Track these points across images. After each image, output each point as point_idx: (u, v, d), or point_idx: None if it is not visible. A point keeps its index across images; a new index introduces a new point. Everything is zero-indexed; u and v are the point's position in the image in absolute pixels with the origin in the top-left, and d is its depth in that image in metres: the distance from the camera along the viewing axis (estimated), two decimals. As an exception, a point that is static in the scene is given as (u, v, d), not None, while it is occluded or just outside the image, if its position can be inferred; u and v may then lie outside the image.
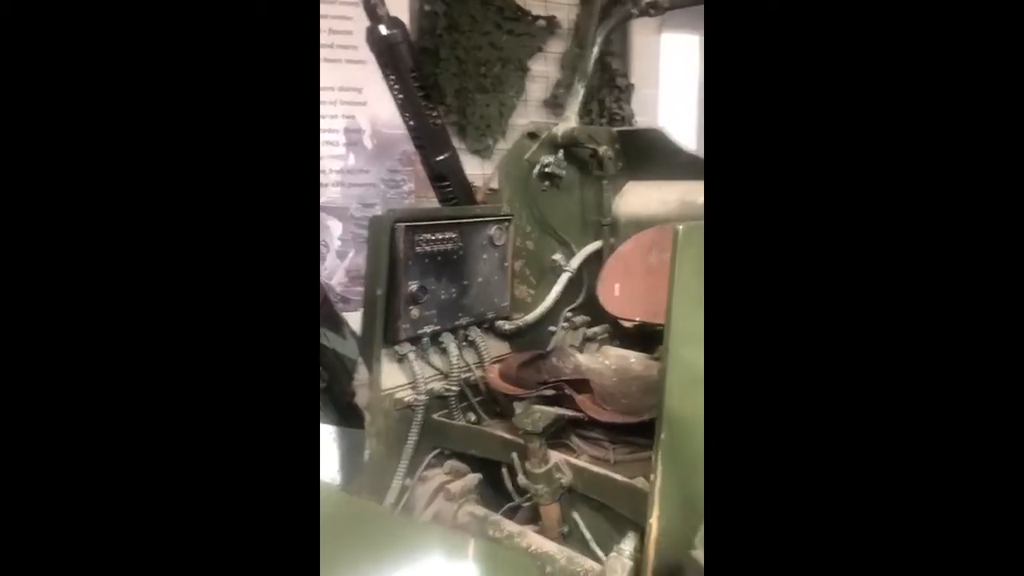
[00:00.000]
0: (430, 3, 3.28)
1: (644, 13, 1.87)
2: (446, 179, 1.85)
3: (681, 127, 3.59)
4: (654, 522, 0.96)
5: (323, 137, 3.17)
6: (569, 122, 1.90)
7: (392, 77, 1.70)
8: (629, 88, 3.52)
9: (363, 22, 1.67)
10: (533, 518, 1.51)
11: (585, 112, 3.60)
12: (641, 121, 3.56)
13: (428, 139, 1.78)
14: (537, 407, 1.41)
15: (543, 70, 3.58)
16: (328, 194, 3.23)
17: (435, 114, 1.77)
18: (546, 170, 1.84)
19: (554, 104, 3.58)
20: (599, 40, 1.95)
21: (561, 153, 1.87)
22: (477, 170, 3.55)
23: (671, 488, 0.99)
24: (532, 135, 1.86)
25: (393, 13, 3.05)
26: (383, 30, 1.65)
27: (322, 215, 3.24)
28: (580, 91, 1.94)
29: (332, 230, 3.27)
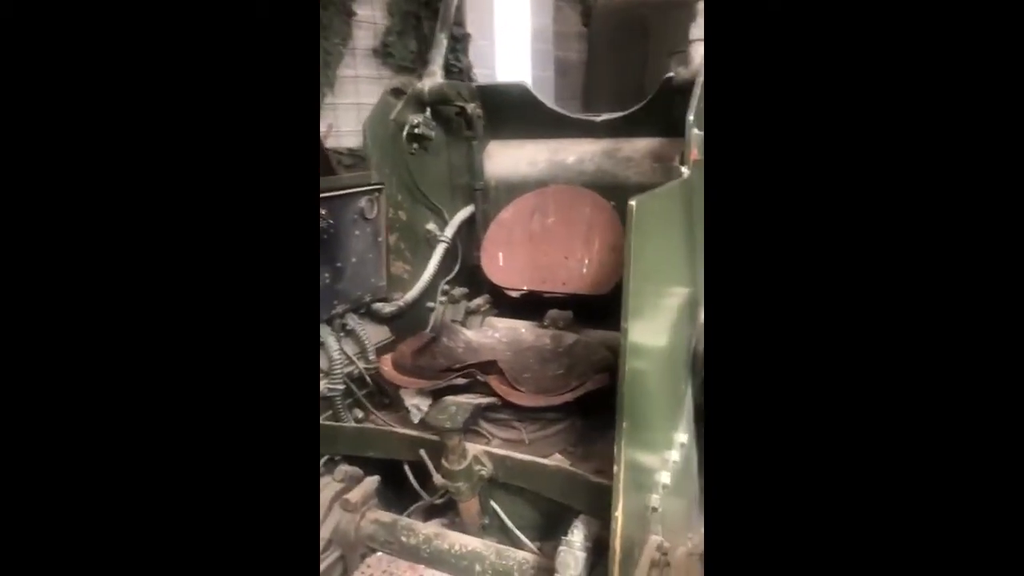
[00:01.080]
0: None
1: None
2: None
3: (515, 79, 3.52)
4: (619, 515, 0.91)
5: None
6: (435, 76, 1.72)
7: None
8: (465, 38, 3.36)
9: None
10: (445, 513, 1.41)
11: (420, 62, 3.38)
12: (480, 73, 3.43)
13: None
14: (451, 399, 1.29)
15: (369, 15, 3.27)
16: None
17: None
18: (415, 131, 1.67)
19: (384, 54, 3.31)
20: (459, -14, 1.77)
21: (429, 112, 1.71)
22: (305, 128, 3.19)
23: (631, 475, 0.94)
24: (397, 91, 1.66)
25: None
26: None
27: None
28: (443, 43, 1.76)
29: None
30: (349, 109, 3.29)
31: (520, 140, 1.94)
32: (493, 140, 1.94)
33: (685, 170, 1.20)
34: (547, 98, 3.69)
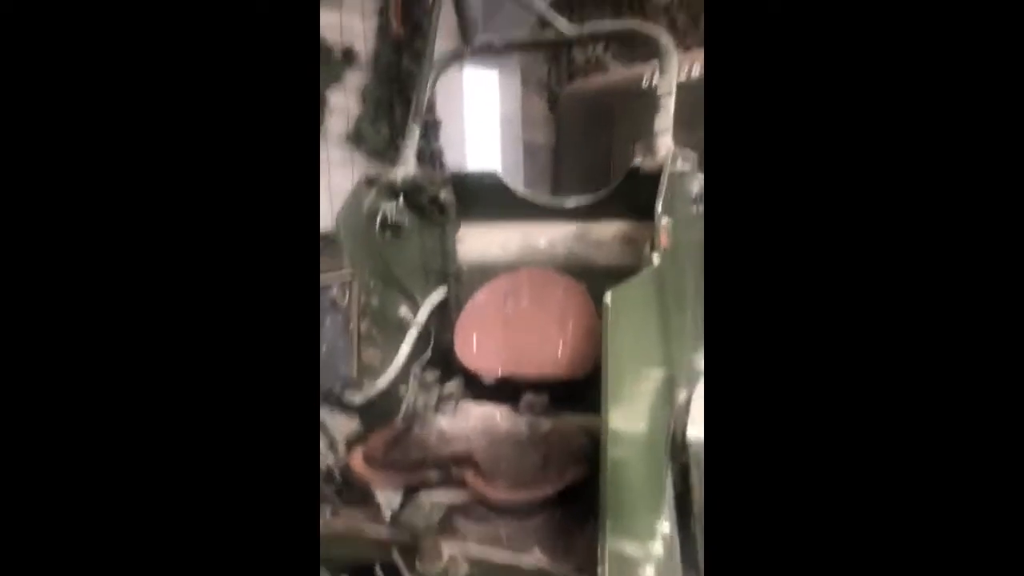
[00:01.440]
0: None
1: (477, 53, 1.81)
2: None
3: (487, 162, 3.62)
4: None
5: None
6: (408, 165, 1.75)
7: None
8: (437, 124, 3.46)
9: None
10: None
11: (391, 148, 3.45)
12: (451, 157, 3.52)
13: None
14: (425, 496, 1.24)
15: (341, 102, 3.36)
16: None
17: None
18: (387, 219, 1.68)
19: (357, 139, 3.38)
20: (432, 79, 1.84)
21: (402, 200, 1.73)
22: (276, 211, 3.19)
23: (616, 573, 0.91)
24: (370, 181, 1.68)
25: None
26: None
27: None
28: (415, 133, 1.81)
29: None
30: (319, 192, 3.32)
31: (492, 224, 1.97)
32: (465, 224, 1.97)
33: (656, 257, 1.22)
34: (517, 179, 3.79)
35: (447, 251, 1.87)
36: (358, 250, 1.65)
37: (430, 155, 3.45)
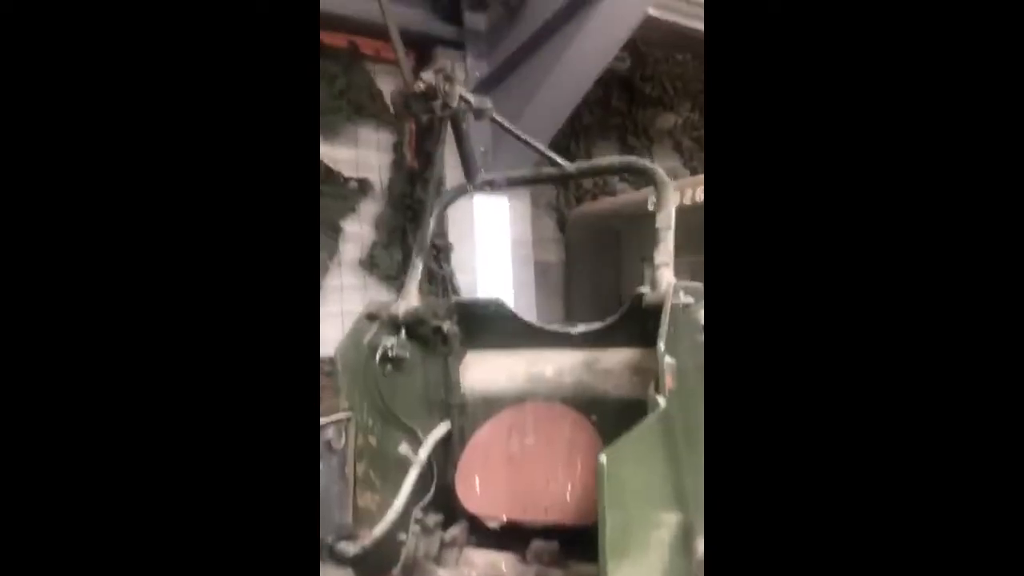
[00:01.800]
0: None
1: (480, 189, 1.86)
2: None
3: (496, 282, 3.65)
4: None
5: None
6: (410, 298, 1.75)
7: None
8: (447, 247, 3.52)
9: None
10: None
11: (404, 273, 3.50)
12: (462, 279, 3.55)
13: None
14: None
15: (356, 230, 3.46)
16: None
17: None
18: (388, 354, 1.65)
19: (370, 265, 3.44)
20: (436, 213, 1.87)
21: (403, 333, 1.70)
22: (287, 337, 3.20)
23: None
24: (371, 316, 1.67)
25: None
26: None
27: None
28: (419, 266, 1.81)
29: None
30: (334, 317, 3.33)
31: (497, 352, 1.93)
32: (471, 351, 1.93)
33: (662, 400, 1.16)
34: (528, 297, 3.78)
35: (451, 382, 1.81)
36: (357, 387, 1.61)
37: (440, 279, 3.49)
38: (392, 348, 1.65)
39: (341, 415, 1.53)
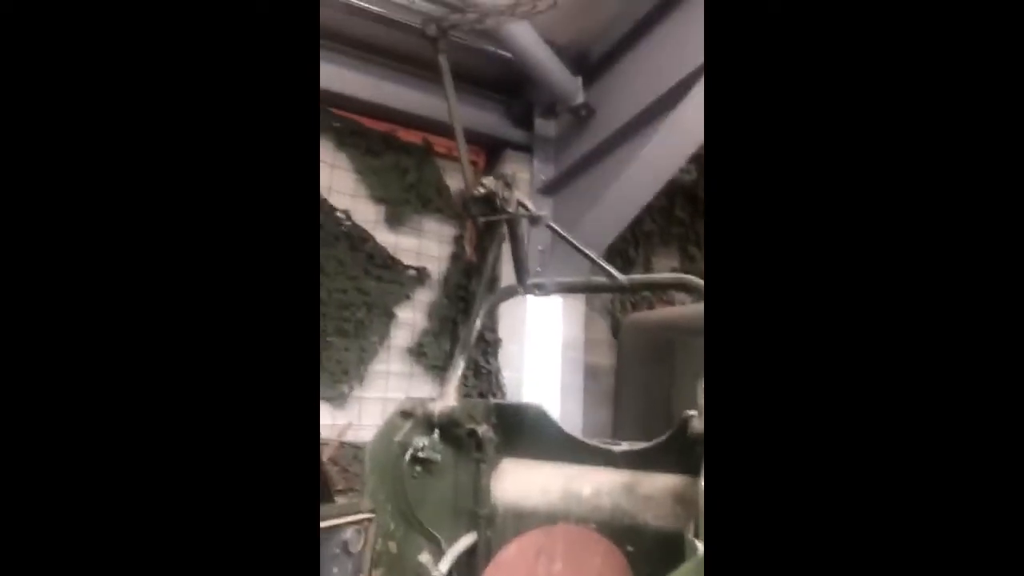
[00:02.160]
0: (297, 243, 3.17)
1: (529, 292, 1.84)
2: (296, 461, 1.52)
3: (545, 383, 3.58)
4: None
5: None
6: (447, 399, 1.71)
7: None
8: (497, 342, 3.50)
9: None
10: None
11: (449, 362, 3.48)
12: (509, 376, 3.49)
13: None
14: None
15: (409, 317, 3.50)
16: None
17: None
18: (419, 454, 1.60)
19: (418, 352, 3.45)
20: (482, 313, 1.86)
21: (436, 434, 1.65)
22: (327, 419, 3.19)
23: None
24: (406, 414, 1.63)
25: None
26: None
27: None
28: (460, 367, 1.78)
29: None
30: (376, 403, 3.31)
31: (533, 462, 1.84)
32: (507, 458, 1.85)
33: (700, 546, 1.05)
34: (575, 401, 3.67)
35: (481, 490, 1.73)
36: (383, 488, 1.55)
37: (486, 374, 3.45)
38: (423, 449, 1.59)
39: (362, 516, 1.47)
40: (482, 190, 1.58)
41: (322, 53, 3.24)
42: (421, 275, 3.51)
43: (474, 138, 3.72)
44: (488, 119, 3.72)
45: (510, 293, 1.87)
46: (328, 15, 3.06)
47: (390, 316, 3.40)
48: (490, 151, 3.84)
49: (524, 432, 1.79)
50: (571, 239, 1.75)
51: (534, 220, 1.60)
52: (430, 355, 3.45)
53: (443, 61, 1.54)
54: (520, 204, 1.66)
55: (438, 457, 1.64)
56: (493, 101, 3.78)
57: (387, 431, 1.59)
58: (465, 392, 3.40)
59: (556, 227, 1.76)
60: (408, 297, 3.48)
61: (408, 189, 3.50)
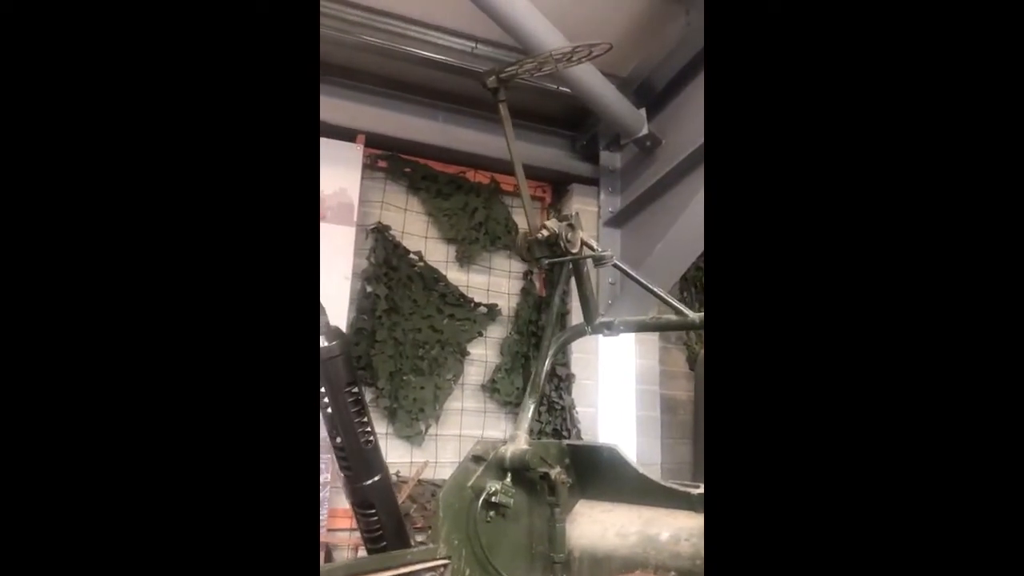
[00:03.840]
0: (373, 285, 3.28)
1: (597, 331, 1.82)
2: (372, 507, 1.55)
3: (619, 418, 3.51)
4: None
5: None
6: (518, 441, 1.70)
7: (324, 390, 1.49)
8: (570, 378, 3.48)
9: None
10: None
11: (522, 398, 3.48)
12: (583, 411, 3.45)
13: (357, 461, 1.52)
14: None
15: (481, 353, 3.54)
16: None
17: (369, 431, 1.54)
18: (492, 499, 1.59)
19: (491, 389, 3.47)
20: (551, 354, 1.85)
21: (509, 478, 1.65)
22: (405, 457, 3.24)
23: None
24: (477, 458, 1.64)
25: (333, 290, 2.98)
26: (322, 341, 1.49)
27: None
28: (530, 408, 1.78)
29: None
30: (451, 440, 3.35)
31: (611, 503, 1.80)
32: (582, 499, 1.82)
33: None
34: (652, 437, 3.57)
35: (556, 534, 1.70)
36: (457, 533, 1.55)
37: (560, 410, 3.42)
38: (496, 493, 1.59)
39: (438, 562, 1.47)
40: (545, 233, 1.60)
41: (392, 103, 3.39)
42: (492, 312, 3.55)
43: (540, 174, 3.77)
44: (554, 154, 3.76)
45: (578, 333, 1.86)
46: (396, 67, 3.21)
47: (463, 353, 3.45)
48: (556, 186, 3.87)
49: (599, 474, 1.76)
50: (637, 277, 1.73)
51: (599, 260, 1.59)
52: (503, 391, 3.46)
53: (503, 109, 1.58)
54: (584, 244, 1.66)
55: (511, 501, 1.63)
56: (558, 136, 3.82)
57: (459, 476, 1.59)
58: (539, 429, 3.38)
59: (623, 266, 1.74)
60: (480, 334, 3.52)
61: (477, 228, 3.57)
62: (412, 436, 3.23)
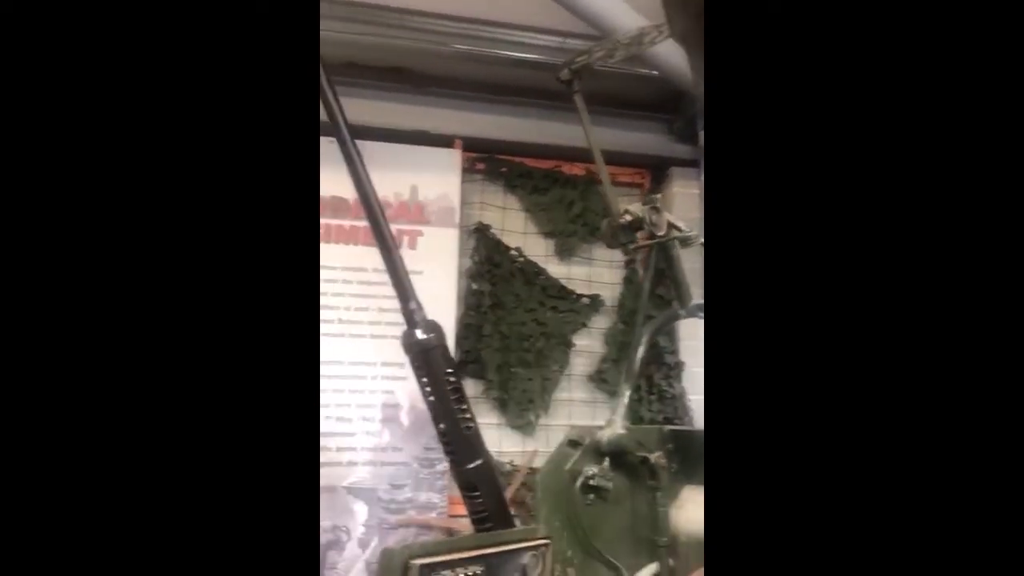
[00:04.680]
0: (478, 283, 3.41)
1: (692, 314, 1.80)
2: (476, 489, 1.63)
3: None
4: None
5: (359, 413, 3.07)
6: (615, 426, 1.72)
7: (425, 380, 1.59)
8: (679, 365, 3.41)
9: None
10: None
11: (634, 389, 3.46)
12: (694, 400, 3.37)
13: (459, 445, 1.61)
14: None
15: (587, 344, 3.55)
16: (357, 474, 3.02)
17: (468, 416, 1.62)
18: (590, 482, 1.62)
19: (599, 379, 3.48)
20: (645, 341, 1.85)
21: (607, 462, 1.67)
22: (518, 447, 3.34)
23: None
24: (573, 443, 1.67)
25: (439, 289, 3.14)
26: (419, 334, 1.59)
27: (348, 498, 3.00)
28: (626, 394, 1.79)
29: (357, 515, 3.00)
30: (560, 430, 3.39)
31: (714, 491, 1.77)
32: (687, 485, 1.80)
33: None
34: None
35: (659, 519, 1.70)
36: (557, 515, 1.60)
37: (671, 398, 3.36)
38: (593, 476, 1.62)
39: (539, 541, 1.52)
40: (628, 217, 1.60)
41: (486, 106, 3.50)
42: (595, 303, 3.56)
43: (637, 160, 3.72)
44: (651, 139, 3.70)
45: (673, 317, 1.85)
46: (489, 71, 3.31)
47: (568, 345, 3.48)
48: (655, 170, 3.80)
49: (703, 460, 1.74)
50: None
51: (684, 241, 1.58)
52: (610, 381, 3.46)
53: (579, 100, 1.61)
54: (672, 226, 1.64)
55: (609, 485, 1.65)
56: (655, 120, 3.76)
57: (557, 460, 1.64)
58: (650, 418, 3.35)
59: (712, 245, 1.71)
60: (584, 325, 3.54)
61: (575, 220, 3.59)
62: (523, 426, 3.32)
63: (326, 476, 2.95)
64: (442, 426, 1.64)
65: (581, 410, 3.47)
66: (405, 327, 1.64)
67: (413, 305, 1.61)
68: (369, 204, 1.50)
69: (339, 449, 3.03)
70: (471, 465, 1.67)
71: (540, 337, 3.42)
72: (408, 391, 3.13)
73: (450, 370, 1.62)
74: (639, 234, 1.69)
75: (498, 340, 3.33)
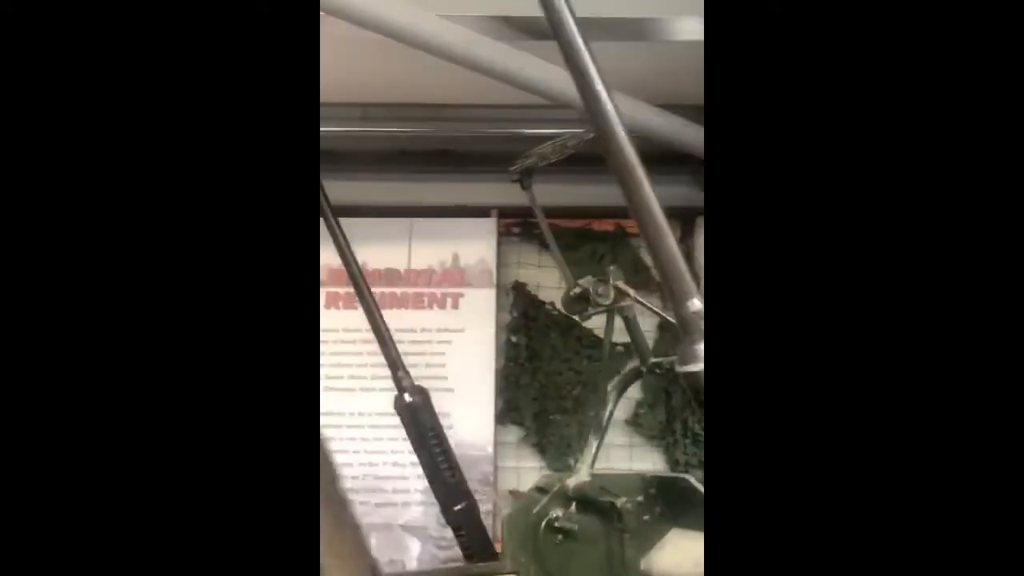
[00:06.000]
0: (516, 336, 3.71)
1: (651, 372, 2.00)
2: (461, 528, 1.93)
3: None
4: None
5: (410, 458, 3.43)
6: (580, 474, 1.94)
7: (412, 438, 1.93)
8: (701, 407, 3.50)
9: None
10: None
11: (669, 432, 3.59)
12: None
13: (443, 493, 1.92)
14: None
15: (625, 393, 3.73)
16: (410, 513, 3.37)
17: (449, 467, 1.93)
18: (555, 524, 1.85)
19: (635, 424, 3.64)
20: (613, 399, 2.07)
21: (574, 506, 1.89)
22: (558, 489, 3.55)
23: None
24: (541, 489, 1.91)
25: (480, 344, 3.45)
26: (407, 397, 1.94)
27: (402, 535, 3.34)
28: (593, 445, 2.01)
29: (411, 550, 3.34)
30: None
31: (683, 535, 1.93)
32: (675, 528, 1.97)
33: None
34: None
35: (626, 561, 1.89)
36: (524, 551, 1.83)
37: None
38: (559, 519, 1.84)
39: (507, 574, 1.77)
40: (577, 290, 1.87)
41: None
42: (629, 350, 3.74)
43: (668, 212, 3.88)
44: (678, 192, 3.88)
45: (634, 376, 2.06)
46: (518, 146, 3.67)
47: (604, 392, 3.68)
48: (684, 221, 3.97)
49: (682, 504, 1.91)
50: (666, 315, 1.88)
51: (619, 311, 1.81)
52: (646, 425, 3.61)
53: (530, 195, 1.90)
54: (622, 292, 1.88)
55: (575, 527, 1.86)
56: (682, 172, 3.93)
57: (525, 504, 1.88)
58: (685, 461, 3.46)
59: (655, 308, 1.92)
60: (619, 372, 3.72)
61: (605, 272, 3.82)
62: (562, 470, 3.54)
63: (382, 515, 3.33)
64: (428, 474, 1.96)
65: (619, 453, 3.64)
66: (396, 392, 1.99)
67: (401, 373, 1.96)
68: (363, 295, 1.87)
69: (395, 491, 3.41)
70: (456, 508, 1.97)
71: (577, 385, 3.65)
72: (454, 439, 3.46)
73: (433, 428, 1.94)
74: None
75: (536, 389, 3.61)
